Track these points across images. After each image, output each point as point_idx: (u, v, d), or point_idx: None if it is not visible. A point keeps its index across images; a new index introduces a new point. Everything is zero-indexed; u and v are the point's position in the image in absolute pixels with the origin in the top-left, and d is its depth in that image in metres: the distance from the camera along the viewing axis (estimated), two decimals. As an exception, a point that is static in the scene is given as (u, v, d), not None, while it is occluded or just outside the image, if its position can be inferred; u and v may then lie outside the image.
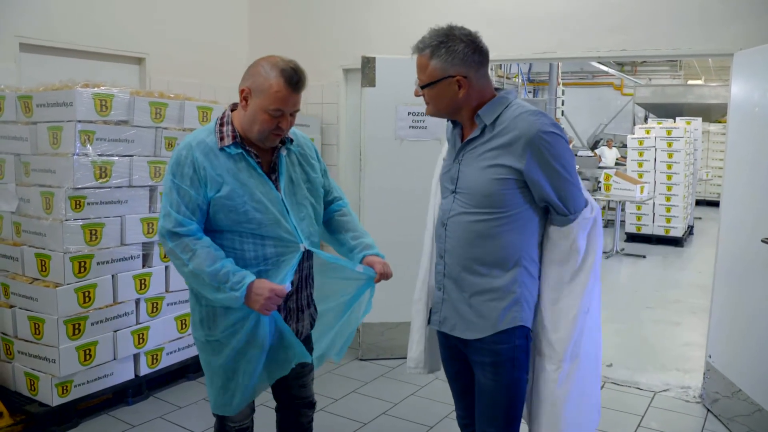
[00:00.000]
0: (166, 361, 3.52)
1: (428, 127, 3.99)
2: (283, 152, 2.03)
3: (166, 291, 3.47)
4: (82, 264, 3.05)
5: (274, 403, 2.31)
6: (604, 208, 10.49)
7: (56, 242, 3.01)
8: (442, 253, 1.92)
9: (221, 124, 1.97)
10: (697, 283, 6.62)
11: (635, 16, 3.65)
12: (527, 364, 1.88)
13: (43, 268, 3.05)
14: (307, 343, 2.19)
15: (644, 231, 9.23)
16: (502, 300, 1.81)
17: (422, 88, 1.84)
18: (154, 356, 3.45)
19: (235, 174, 1.92)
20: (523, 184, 1.76)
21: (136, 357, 3.37)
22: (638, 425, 3.33)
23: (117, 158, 3.16)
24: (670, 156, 9.02)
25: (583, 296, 1.84)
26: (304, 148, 2.12)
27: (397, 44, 3.97)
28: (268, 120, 1.90)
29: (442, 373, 2.15)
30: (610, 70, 15.30)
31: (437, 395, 3.58)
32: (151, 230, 3.32)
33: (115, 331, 3.23)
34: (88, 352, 3.10)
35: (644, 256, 8.23)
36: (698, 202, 12.01)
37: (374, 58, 3.95)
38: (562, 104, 12.54)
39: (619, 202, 8.55)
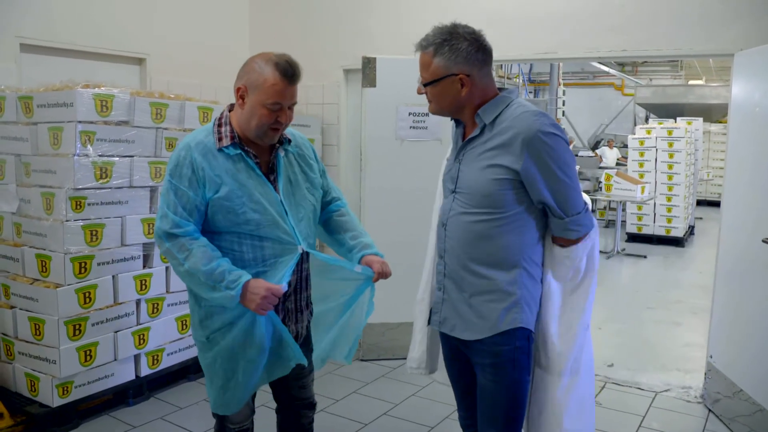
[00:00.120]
0: (166, 362, 3.52)
1: (429, 127, 3.99)
2: (281, 153, 2.02)
3: (167, 292, 3.47)
4: (83, 265, 3.05)
5: (274, 404, 2.30)
6: (605, 208, 10.50)
7: (57, 243, 3.01)
8: (442, 253, 1.92)
9: (219, 125, 1.97)
10: (698, 284, 6.61)
11: (636, 16, 3.64)
12: (529, 366, 1.87)
13: (44, 268, 3.05)
14: (307, 344, 2.18)
15: (645, 231, 9.22)
16: (502, 301, 1.80)
17: (425, 85, 1.83)
18: (155, 357, 3.45)
19: (234, 175, 1.92)
20: (521, 185, 1.74)
21: (136, 358, 3.37)
22: (639, 425, 3.33)
23: (117, 159, 3.16)
24: (671, 156, 9.01)
25: (584, 312, 1.85)
26: (303, 149, 2.12)
27: (397, 44, 3.98)
28: (267, 114, 1.89)
29: (442, 374, 2.14)
30: (611, 71, 15.32)
31: (438, 396, 3.58)
32: (151, 231, 3.32)
33: (116, 332, 3.23)
34: (88, 352, 3.10)
35: (645, 257, 8.22)
36: (699, 203, 12.02)
37: (375, 59, 3.95)
38: (563, 104, 12.56)
39: (620, 202, 8.54)
